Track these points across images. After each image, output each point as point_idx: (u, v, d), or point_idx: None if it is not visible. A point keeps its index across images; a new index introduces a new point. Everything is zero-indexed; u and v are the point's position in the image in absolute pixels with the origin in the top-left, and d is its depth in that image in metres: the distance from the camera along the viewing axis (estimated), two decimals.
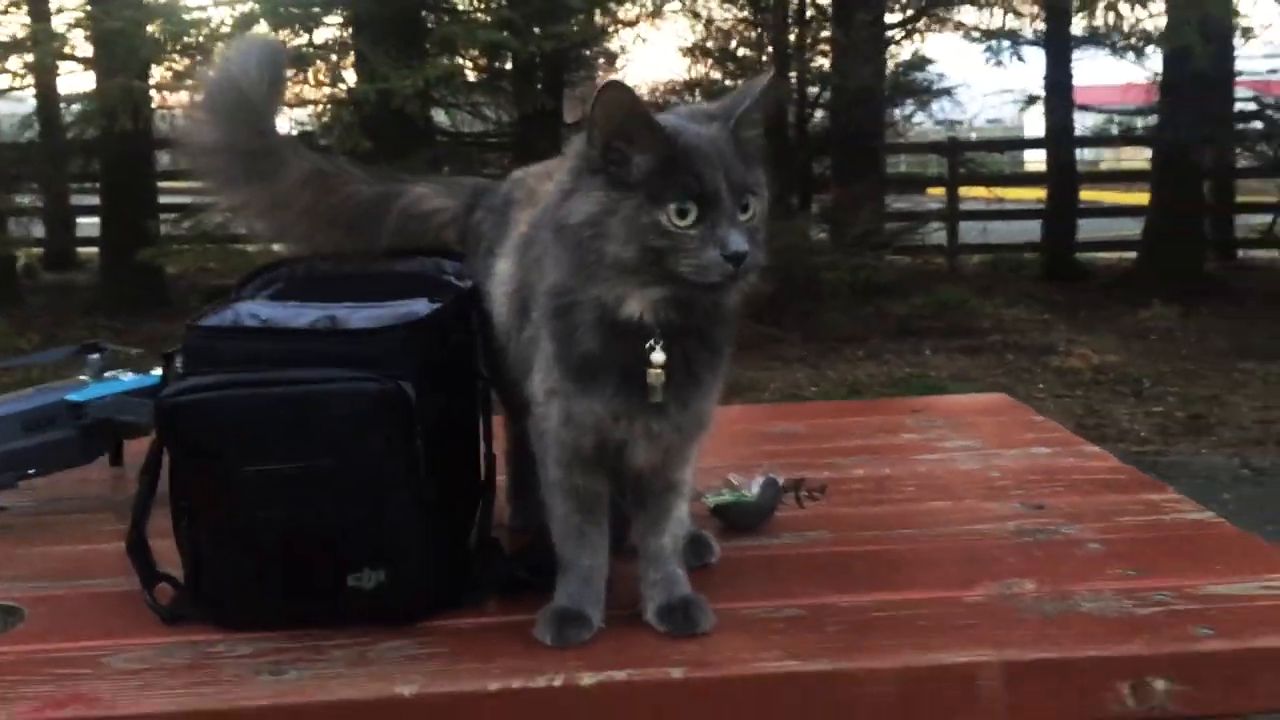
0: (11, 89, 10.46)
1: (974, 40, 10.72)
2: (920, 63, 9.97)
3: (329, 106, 8.43)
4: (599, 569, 1.18)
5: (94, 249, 12.18)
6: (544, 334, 1.12)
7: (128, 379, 1.61)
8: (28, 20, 11.11)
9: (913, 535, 1.44)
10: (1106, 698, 1.10)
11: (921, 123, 11.87)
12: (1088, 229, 11.60)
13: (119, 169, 9.59)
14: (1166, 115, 9.96)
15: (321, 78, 7.78)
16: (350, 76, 8.21)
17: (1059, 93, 10.94)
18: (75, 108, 9.75)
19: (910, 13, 10.46)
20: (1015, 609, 1.21)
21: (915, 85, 10.01)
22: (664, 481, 1.19)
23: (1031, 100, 11.78)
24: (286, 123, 9.55)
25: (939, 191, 11.97)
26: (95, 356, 1.71)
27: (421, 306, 1.26)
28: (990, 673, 1.09)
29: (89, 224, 12.46)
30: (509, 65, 8.69)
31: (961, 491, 1.61)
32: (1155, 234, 10.22)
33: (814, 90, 9.96)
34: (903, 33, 10.28)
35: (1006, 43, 10.70)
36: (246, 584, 1.18)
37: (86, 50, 9.64)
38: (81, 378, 1.62)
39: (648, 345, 1.08)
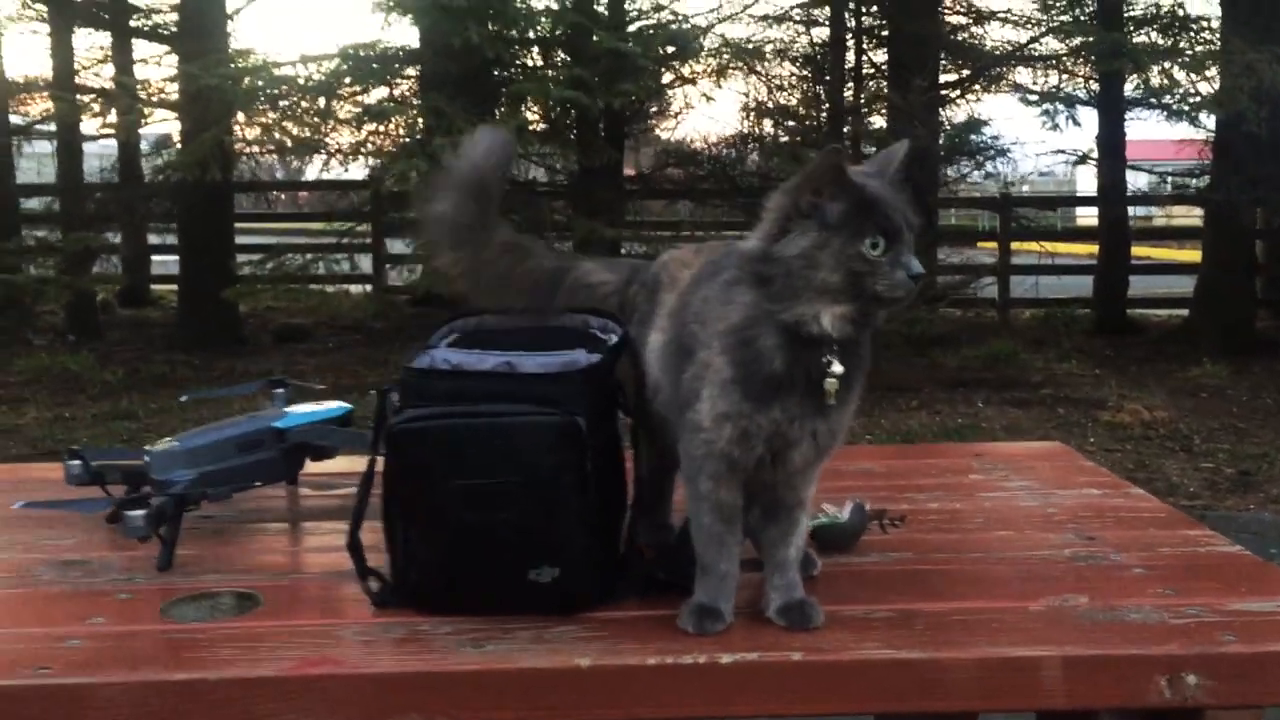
0: (99, 135, 11.00)
1: (1029, 103, 10.95)
2: (975, 125, 10.24)
3: (402, 157, 8.82)
4: (733, 573, 1.46)
5: (165, 286, 12.66)
6: (721, 365, 1.39)
7: (319, 409, 1.91)
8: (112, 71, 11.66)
9: (981, 558, 1.70)
10: (1147, 689, 1.35)
11: (970, 175, 12.10)
12: (1139, 285, 11.76)
13: (198, 211, 10.04)
14: (1218, 175, 10.13)
15: (401, 131, 8.17)
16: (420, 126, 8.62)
17: (1111, 151, 11.15)
18: (163, 155, 10.19)
19: (965, 74, 10.76)
20: (1071, 617, 1.46)
21: (971, 146, 10.26)
22: (795, 498, 1.46)
23: (1083, 159, 12.00)
24: (364, 167, 9.97)
25: (990, 245, 12.19)
26: (280, 391, 2.01)
27: (581, 356, 1.54)
28: (1051, 665, 1.35)
29: (160, 261, 12.95)
30: (572, 119, 9.06)
31: (1022, 524, 1.86)
32: (1207, 291, 10.35)
33: (870, 150, 10.28)
34: (958, 92, 10.58)
35: (1061, 106, 10.91)
36: (448, 575, 1.46)
37: (171, 95, 10.14)
38: (284, 409, 1.92)
39: (825, 359, 1.37)
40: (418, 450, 1.42)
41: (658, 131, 11.99)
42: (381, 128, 8.29)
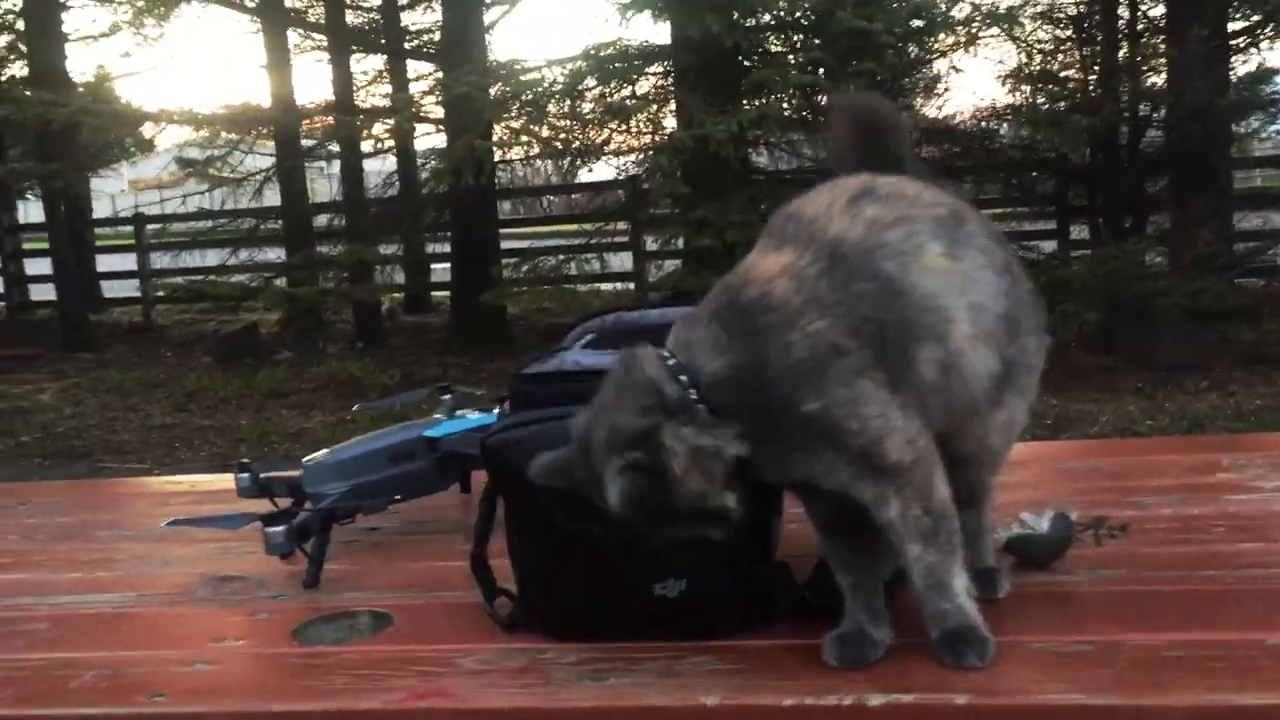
0: (377, 151, 11.64)
1: None
2: (1265, 75, 9.23)
3: (650, 154, 8.83)
4: (882, 595, 1.26)
5: (445, 293, 13.26)
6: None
7: (473, 417, 1.84)
8: (389, 89, 12.32)
9: (1217, 576, 1.42)
10: None
11: (1265, 131, 10.93)
12: None
13: (466, 219, 10.42)
14: None
15: (643, 127, 8.17)
16: (669, 123, 8.60)
17: None
18: (430, 165, 10.64)
19: (1255, 19, 9.73)
20: None
21: (1260, 99, 9.26)
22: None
23: None
24: (613, 170, 10.05)
25: None
26: (447, 397, 1.95)
27: None
28: None
29: (442, 269, 13.59)
30: (822, 101, 8.79)
31: (1276, 534, 1.56)
32: None
33: (1145, 109, 9.47)
34: (1247, 40, 9.57)
35: None
36: (564, 593, 1.33)
37: (438, 112, 10.60)
38: (436, 416, 1.87)
39: None
40: (510, 460, 1.31)
41: (917, 109, 11.49)
42: (626, 125, 8.32)
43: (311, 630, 1.46)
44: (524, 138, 8.24)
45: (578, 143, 8.43)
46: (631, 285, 11.57)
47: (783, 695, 1.18)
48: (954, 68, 9.58)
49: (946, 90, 10.82)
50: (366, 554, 1.75)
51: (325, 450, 1.78)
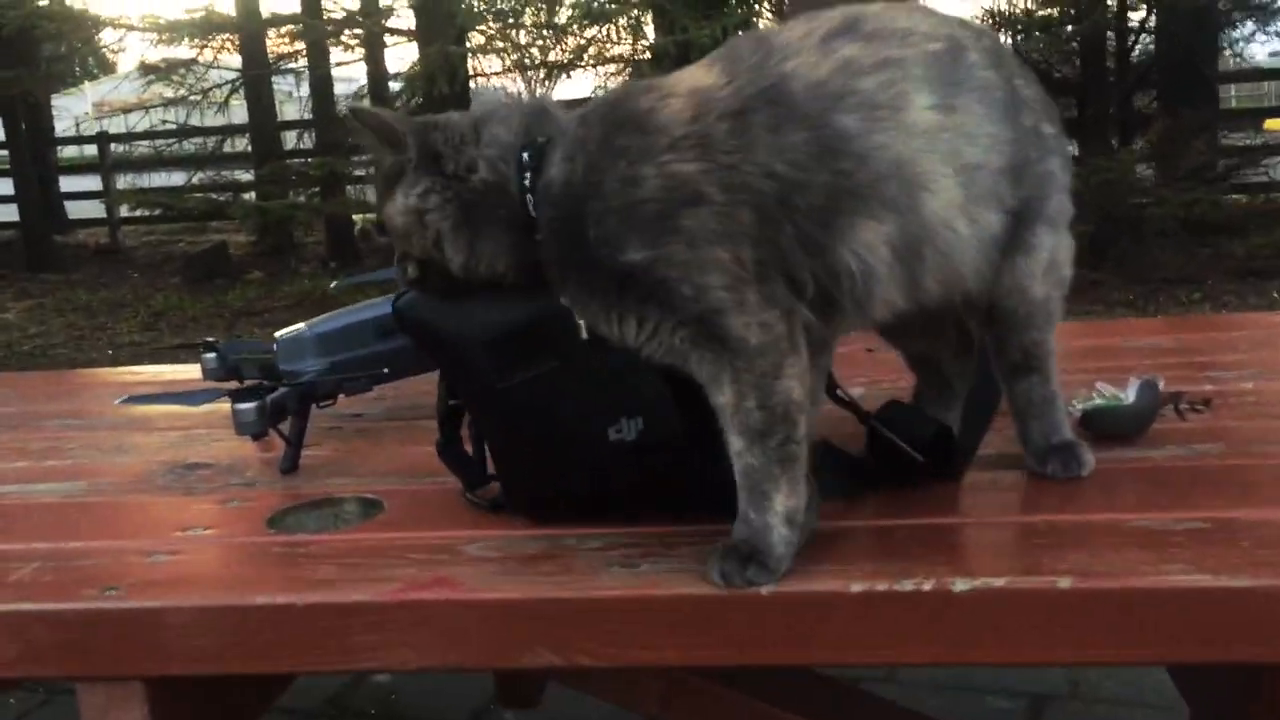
0: (346, 63, 11.24)
1: None
2: None
3: (631, 65, 8.52)
4: None
5: None
6: None
7: None
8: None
9: None
10: None
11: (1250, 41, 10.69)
12: None
13: None
14: None
15: (623, 34, 7.86)
16: (649, 31, 8.26)
17: None
18: (401, 74, 10.29)
19: None
20: None
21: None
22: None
23: None
24: (594, 77, 9.72)
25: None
26: None
27: None
28: None
29: None
30: None
31: None
32: None
33: (1136, 16, 9.22)
34: None
35: None
36: (523, 458, 1.16)
37: (409, 22, 10.20)
38: None
39: None
40: (428, 320, 1.16)
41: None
42: (605, 32, 7.99)
43: (291, 518, 1.27)
44: (499, 44, 7.90)
45: (554, 53, 8.09)
46: None
47: (850, 579, 1.00)
48: None
49: None
50: (351, 440, 1.56)
51: (302, 324, 1.58)
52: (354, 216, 11.87)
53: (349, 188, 11.49)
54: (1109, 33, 8.77)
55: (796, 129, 1.02)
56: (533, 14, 8.15)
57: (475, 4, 7.86)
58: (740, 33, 1.17)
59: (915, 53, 1.07)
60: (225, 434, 1.53)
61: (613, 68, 8.96)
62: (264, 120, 11.73)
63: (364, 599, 1.03)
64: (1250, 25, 9.53)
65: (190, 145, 12.34)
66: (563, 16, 7.94)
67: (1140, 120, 9.21)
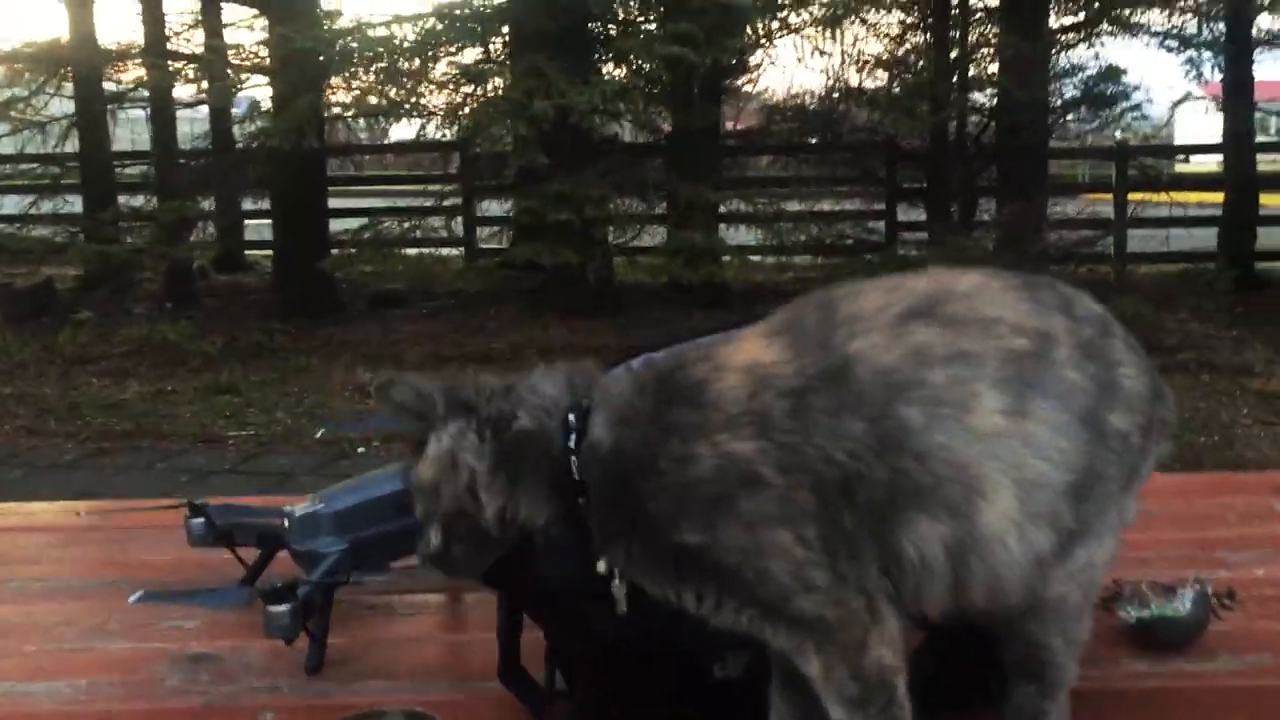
0: (195, 103, 10.85)
1: (1166, 47, 10.23)
2: (1113, 73, 9.57)
3: (497, 119, 8.45)
4: None
5: (260, 252, 12.57)
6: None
7: None
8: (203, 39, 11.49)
9: None
10: None
11: (1090, 126, 11.41)
12: (1266, 239, 10.97)
13: (292, 177, 9.80)
14: None
15: (499, 92, 7.81)
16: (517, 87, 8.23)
17: (1239, 93, 10.40)
18: (257, 122, 9.99)
19: (1082, 17, 10.09)
20: None
21: (1098, 95, 9.63)
22: None
23: (1184, 98, 11.22)
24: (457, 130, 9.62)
25: (1103, 197, 11.51)
26: None
27: None
28: None
29: (253, 226, 12.89)
30: (668, 77, 8.58)
31: None
32: None
33: (980, 98, 9.72)
34: (1078, 36, 9.92)
35: (1204, 51, 10.19)
36: (623, 693, 1.13)
37: (261, 59, 9.89)
38: None
39: None
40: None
41: (754, 87, 11.46)
42: (479, 89, 7.93)
43: None
44: (372, 98, 7.73)
45: (427, 105, 7.98)
46: (461, 250, 11.22)
47: None
48: (819, 50, 9.52)
49: (788, 69, 10.89)
50: (364, 622, 1.46)
51: (312, 497, 1.47)
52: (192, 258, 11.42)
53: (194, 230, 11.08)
54: (953, 118, 9.22)
55: (857, 418, 0.98)
56: (406, 65, 7.99)
57: (347, 51, 7.67)
58: (809, 295, 1.14)
59: (995, 347, 1.02)
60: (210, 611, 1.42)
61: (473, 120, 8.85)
62: (97, 155, 11.17)
63: None
64: (1086, 114, 10.13)
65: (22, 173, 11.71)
66: (437, 72, 7.83)
67: (980, 193, 9.69)
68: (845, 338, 1.01)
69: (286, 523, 1.43)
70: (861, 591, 0.98)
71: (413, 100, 7.63)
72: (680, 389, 1.01)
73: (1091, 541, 1.06)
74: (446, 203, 10.20)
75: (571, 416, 1.01)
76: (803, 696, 1.05)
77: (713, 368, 1.02)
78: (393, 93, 7.36)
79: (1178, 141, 14.91)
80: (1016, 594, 1.03)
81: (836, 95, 9.80)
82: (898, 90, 9.32)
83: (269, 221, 11.02)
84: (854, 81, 9.71)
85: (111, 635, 1.44)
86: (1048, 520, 1.02)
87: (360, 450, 6.27)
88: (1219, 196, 10.80)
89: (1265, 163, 12.00)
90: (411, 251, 10.52)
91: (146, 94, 11.02)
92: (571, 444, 1.01)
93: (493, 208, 11.19)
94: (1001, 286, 1.08)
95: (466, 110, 7.91)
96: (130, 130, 14.75)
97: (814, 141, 9.88)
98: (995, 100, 9.56)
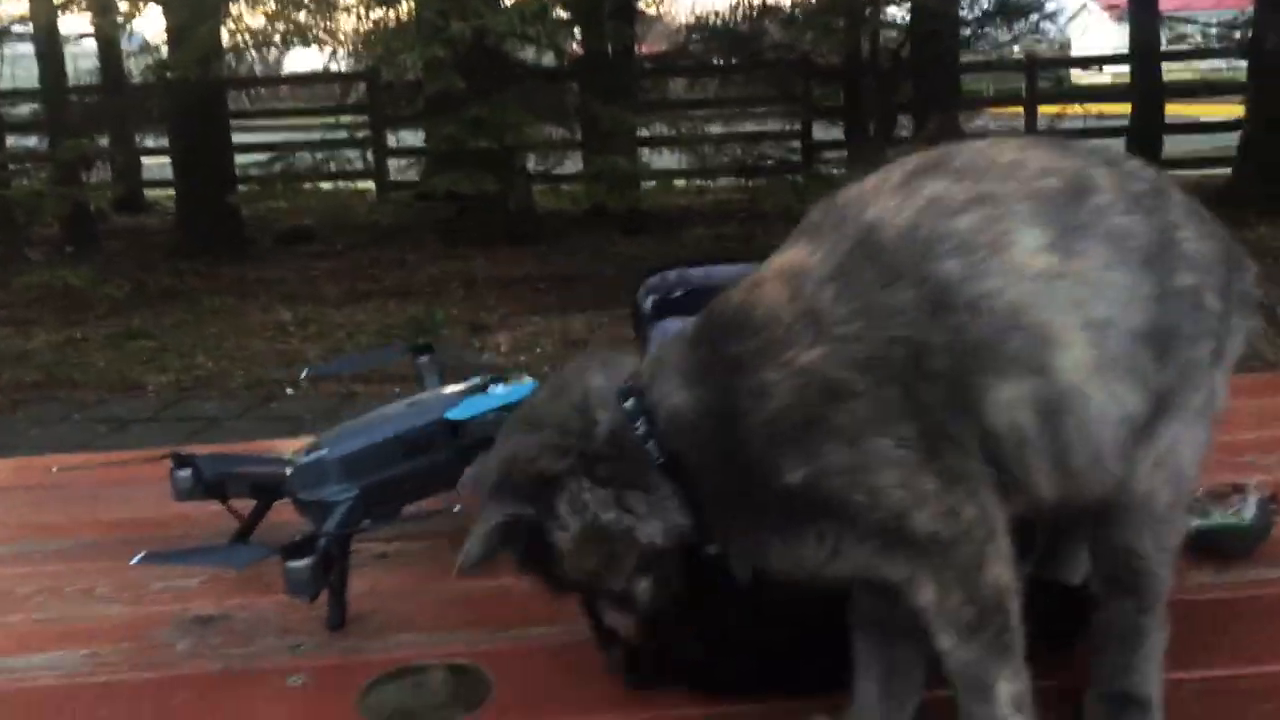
0: (81, 36, 10.34)
1: None
2: None
3: (406, 46, 8.18)
4: None
5: (160, 191, 12.11)
6: None
7: (500, 391, 1.45)
8: None
9: None
10: None
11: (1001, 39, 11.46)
12: (1173, 145, 11.18)
13: (192, 112, 9.40)
14: (1263, 23, 9.54)
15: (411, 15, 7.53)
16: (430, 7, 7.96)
17: (1144, 4, 10.53)
18: (152, 56, 9.54)
19: None
20: None
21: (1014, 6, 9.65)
22: None
23: (1081, 9, 11.33)
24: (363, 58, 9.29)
25: (1014, 110, 11.61)
26: (425, 359, 1.57)
27: None
28: None
29: (153, 165, 12.40)
30: None
31: None
32: (1252, 149, 9.81)
33: (893, 11, 9.67)
34: None
35: None
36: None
37: None
38: (452, 389, 1.46)
39: None
40: None
41: (664, 7, 11.24)
42: (390, 11, 7.63)
43: (374, 697, 1.09)
44: (279, 25, 7.40)
45: (331, 27, 7.67)
46: (371, 184, 10.94)
47: None
48: None
49: None
50: (379, 569, 1.37)
51: (312, 440, 1.36)
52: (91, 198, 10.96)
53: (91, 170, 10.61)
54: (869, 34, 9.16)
55: (898, 283, 0.90)
56: None
57: None
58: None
59: (1021, 188, 0.93)
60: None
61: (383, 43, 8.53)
62: None
63: None
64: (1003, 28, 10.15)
65: None
66: None
67: (896, 109, 9.69)
68: (857, 212, 0.94)
69: (289, 470, 1.32)
70: (973, 497, 0.90)
71: (322, 25, 7.30)
72: (724, 321, 0.93)
73: (1178, 420, 0.97)
74: (358, 135, 9.90)
75: (630, 402, 0.93)
76: (890, 642, 0.99)
77: (747, 286, 0.95)
78: (301, 16, 7.03)
79: (1074, 54, 15.08)
80: (1113, 459, 0.94)
81: (752, 12, 9.64)
82: (814, 3, 9.17)
83: (168, 160, 10.61)
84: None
85: (104, 600, 1.32)
86: (1126, 368, 0.93)
87: (289, 391, 6.11)
88: (1126, 107, 10.95)
89: (1170, 72, 12.21)
90: (325, 185, 10.21)
91: (31, 28, 10.48)
92: (640, 429, 0.92)
93: (405, 139, 10.89)
94: (1020, 143, 1.00)
95: (377, 35, 7.60)
96: (12, 68, 14.01)
97: (730, 62, 9.72)
98: (910, 15, 9.53)
